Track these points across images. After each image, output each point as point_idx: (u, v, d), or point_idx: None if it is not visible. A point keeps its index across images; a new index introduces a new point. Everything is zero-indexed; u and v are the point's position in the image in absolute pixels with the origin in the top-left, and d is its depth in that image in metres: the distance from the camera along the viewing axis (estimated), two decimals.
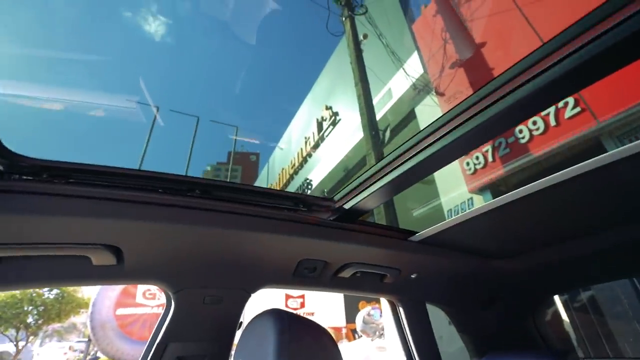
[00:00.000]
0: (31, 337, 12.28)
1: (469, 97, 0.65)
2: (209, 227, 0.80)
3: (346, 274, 1.17)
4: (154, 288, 11.56)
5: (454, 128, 0.68)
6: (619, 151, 0.68)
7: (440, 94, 5.90)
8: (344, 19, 5.99)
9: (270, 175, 16.55)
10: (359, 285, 1.29)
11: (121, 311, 10.57)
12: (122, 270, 0.84)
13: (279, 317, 0.69)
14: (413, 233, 1.15)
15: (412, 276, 1.34)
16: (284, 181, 13.83)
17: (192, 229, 0.79)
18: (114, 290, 10.82)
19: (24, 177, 0.62)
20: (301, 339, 0.68)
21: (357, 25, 6.03)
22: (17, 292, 11.45)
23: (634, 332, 3.09)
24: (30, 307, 11.60)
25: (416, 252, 1.17)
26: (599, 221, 1.10)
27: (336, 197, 0.97)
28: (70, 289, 12.80)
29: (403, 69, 6.34)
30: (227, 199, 0.83)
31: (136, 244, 0.79)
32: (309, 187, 11.66)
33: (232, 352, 1.00)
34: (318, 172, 11.18)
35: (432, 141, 0.72)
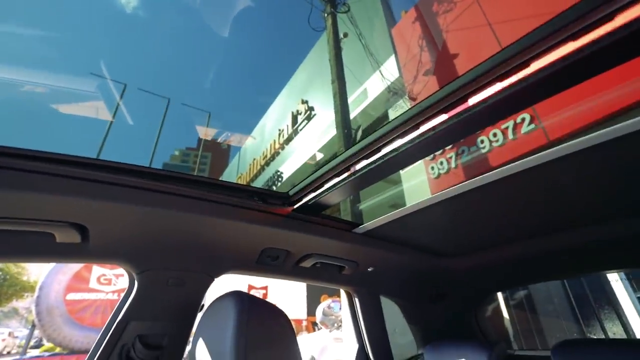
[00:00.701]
0: None
1: (431, 95, 0.67)
2: (175, 211, 0.83)
3: (307, 264, 1.23)
4: (109, 273, 11.06)
5: (414, 127, 0.71)
6: (558, 149, 0.72)
7: (412, 98, 6.12)
8: (326, 15, 6.02)
9: (241, 165, 16.27)
10: (319, 275, 1.36)
11: (72, 296, 10.02)
12: (87, 248, 0.85)
13: (239, 299, 0.72)
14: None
15: (369, 269, 1.44)
16: (255, 171, 13.67)
17: (158, 211, 0.81)
18: (65, 274, 10.21)
19: None
20: (259, 320, 0.72)
21: (339, 23, 6.09)
22: None
23: (559, 328, 3.48)
24: None
25: (373, 246, 1.26)
26: (539, 223, 1.20)
27: (291, 192, 1.02)
28: (14, 271, 11.91)
29: (380, 71, 6.49)
30: (193, 187, 0.86)
31: (103, 223, 0.80)
32: (280, 179, 11.63)
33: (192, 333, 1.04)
34: (289, 165, 11.17)
35: (388, 140, 0.75)
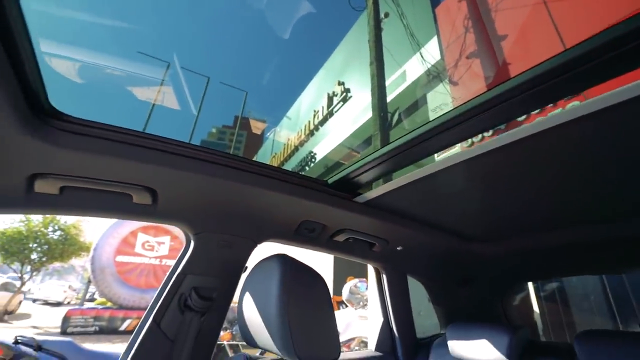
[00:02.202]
0: (34, 273, 12.89)
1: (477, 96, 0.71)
2: (230, 182, 0.95)
3: (340, 238, 1.32)
4: (152, 240, 12.03)
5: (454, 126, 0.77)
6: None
7: (453, 83, 5.89)
8: None
9: (276, 144, 16.60)
10: (350, 250, 1.44)
11: (120, 258, 11.09)
12: (155, 210, 1.00)
13: (283, 260, 0.82)
14: None
15: (398, 248, 1.51)
16: (288, 152, 13.92)
17: (216, 181, 0.93)
18: (115, 238, 11.28)
19: (76, 120, 0.75)
20: (301, 280, 0.82)
21: (380, 3, 5.90)
22: (22, 229, 11.91)
23: (593, 325, 3.35)
24: (35, 245, 12.11)
25: (404, 225, 1.31)
26: (583, 212, 1.19)
27: (330, 181, 1.11)
28: (73, 232, 13.27)
29: (420, 53, 6.27)
30: (245, 163, 0.97)
31: (169, 189, 0.94)
32: (313, 160, 11.78)
33: (237, 289, 1.19)
34: (323, 147, 11.26)
35: (429, 129, 0.81)
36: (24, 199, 0.85)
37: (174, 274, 1.13)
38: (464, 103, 0.72)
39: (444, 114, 0.77)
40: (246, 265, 1.25)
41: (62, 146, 0.73)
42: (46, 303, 18.03)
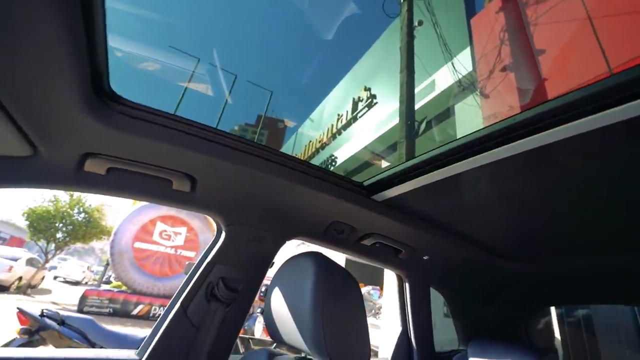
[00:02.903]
0: (57, 252, 13.46)
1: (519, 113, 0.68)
2: (266, 173, 0.94)
3: (367, 242, 1.31)
4: (169, 230, 12.33)
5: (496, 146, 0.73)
6: None
7: (484, 95, 5.75)
8: (402, 0, 5.83)
9: (297, 146, 16.71)
10: (376, 255, 1.42)
11: (138, 245, 11.41)
12: (193, 198, 1.02)
13: (317, 259, 0.81)
14: None
15: (424, 257, 1.48)
16: (309, 153, 13.98)
17: (253, 173, 0.94)
18: (135, 225, 11.64)
19: (131, 104, 0.77)
20: (334, 280, 0.80)
21: (414, 10, 5.86)
22: (51, 208, 12.49)
23: (621, 357, 3.16)
24: (61, 225, 12.66)
25: (433, 235, 1.28)
26: (616, 241, 1.13)
27: (365, 183, 1.09)
28: (96, 215, 13.78)
29: (452, 63, 6.17)
30: (282, 157, 0.97)
31: (208, 178, 0.95)
32: (333, 163, 11.78)
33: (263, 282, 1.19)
34: (345, 151, 11.24)
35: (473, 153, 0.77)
36: (73, 176, 0.88)
37: (203, 262, 1.14)
38: (501, 121, 0.70)
39: (487, 128, 0.74)
40: (273, 260, 1.26)
41: (117, 128, 0.75)
42: (66, 281, 18.79)
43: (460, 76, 6.09)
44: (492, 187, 0.93)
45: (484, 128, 0.74)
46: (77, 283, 18.82)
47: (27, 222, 12.21)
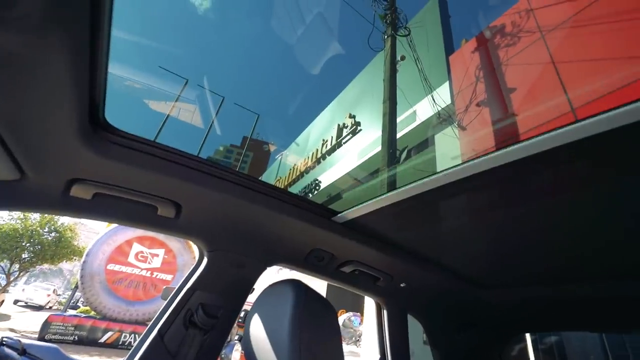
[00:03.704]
0: (21, 273, 12.65)
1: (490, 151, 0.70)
2: (248, 202, 0.98)
3: (347, 269, 1.33)
4: (146, 251, 11.85)
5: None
6: None
7: (461, 127, 6.06)
8: (386, 37, 6.19)
9: (281, 168, 16.77)
10: (355, 282, 1.45)
11: (112, 267, 10.86)
12: (177, 223, 1.04)
13: (297, 287, 0.83)
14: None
15: (402, 285, 1.52)
16: (294, 177, 14.05)
17: (235, 200, 0.97)
18: (110, 245, 11.13)
19: (122, 134, 0.80)
20: (314, 310, 0.82)
21: (397, 45, 6.23)
22: (19, 226, 11.84)
23: None
24: (28, 244, 11.98)
25: (409, 263, 1.32)
26: (588, 269, 1.18)
27: (341, 212, 1.12)
28: (68, 235, 13.14)
29: (432, 96, 6.51)
30: (263, 187, 1.01)
31: (193, 205, 0.98)
32: (317, 187, 11.85)
33: (242, 309, 1.20)
34: (329, 176, 11.37)
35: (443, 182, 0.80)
36: (59, 201, 0.89)
37: (183, 288, 1.14)
38: (478, 157, 0.71)
39: (458, 166, 0.75)
40: (253, 287, 1.27)
41: (106, 156, 0.78)
42: (27, 306, 17.51)
43: (439, 108, 6.42)
44: (463, 212, 0.96)
45: (461, 164, 0.74)
46: (40, 308, 17.56)
47: None
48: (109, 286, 10.52)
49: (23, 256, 11.94)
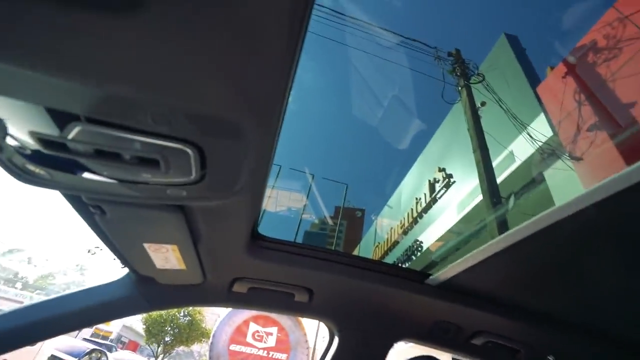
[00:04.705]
0: (164, 355, 14.39)
1: None
2: (371, 283, 1.07)
3: (478, 341, 1.22)
4: (261, 330, 12.38)
5: None
6: None
7: (576, 158, 5.30)
8: (459, 88, 6.22)
9: (378, 234, 16.52)
10: (490, 356, 1.30)
11: (234, 347, 11.55)
12: (310, 307, 1.19)
13: None
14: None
15: (550, 358, 1.26)
16: (392, 240, 13.63)
17: (359, 283, 1.07)
18: (230, 327, 11.98)
19: (269, 239, 1.01)
20: None
21: (474, 92, 6.15)
22: (162, 312, 13.90)
23: None
24: (169, 328, 13.84)
25: (555, 332, 1.14)
26: None
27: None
28: (198, 318, 14.75)
29: (527, 132, 6.00)
30: (384, 265, 1.10)
31: (323, 289, 1.12)
32: (420, 249, 11.19)
33: None
34: (429, 234, 10.73)
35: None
36: (225, 296, 1.14)
37: None
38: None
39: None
40: None
41: (258, 258, 1.00)
42: None
43: (539, 144, 5.82)
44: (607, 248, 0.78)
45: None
46: None
47: (144, 327, 13.65)
48: None
49: (166, 339, 13.72)
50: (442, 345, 1.27)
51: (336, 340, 1.24)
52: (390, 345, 1.26)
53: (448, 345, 1.27)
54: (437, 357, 0.90)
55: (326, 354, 1.26)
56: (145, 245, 0.79)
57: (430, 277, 1.10)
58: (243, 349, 11.91)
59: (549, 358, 1.25)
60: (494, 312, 1.09)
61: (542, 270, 0.89)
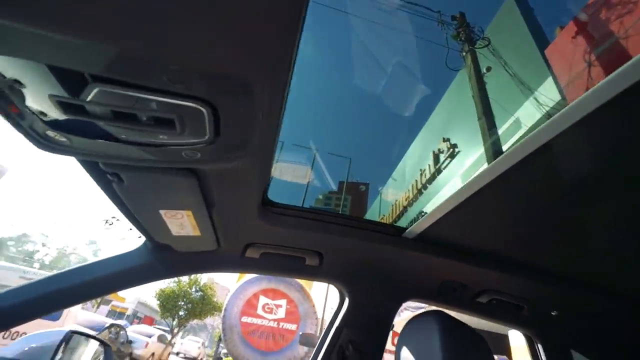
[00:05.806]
0: (179, 328, 15.05)
1: None
2: (379, 244, 1.08)
3: (483, 299, 1.24)
4: (271, 303, 12.82)
5: None
6: None
7: None
8: (464, 53, 6.01)
9: (383, 207, 16.63)
10: (495, 313, 1.33)
11: (245, 319, 12.02)
12: (320, 270, 1.21)
13: (440, 319, 0.84)
14: None
15: (553, 313, 1.32)
16: (397, 212, 13.73)
17: (367, 245, 1.09)
18: (241, 300, 12.44)
19: (279, 205, 1.01)
20: (460, 338, 0.82)
21: (479, 58, 5.95)
22: (175, 288, 14.40)
23: None
24: (183, 302, 14.38)
25: (560, 285, 1.15)
26: None
27: None
28: (210, 293, 15.27)
29: (534, 97, 5.85)
30: (391, 227, 1.10)
31: (332, 252, 1.14)
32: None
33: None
34: (434, 205, 10.77)
35: None
36: (238, 261, 1.17)
37: (332, 327, 1.28)
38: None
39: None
40: (393, 323, 1.33)
41: (270, 224, 1.00)
42: (185, 357, 20.40)
43: (547, 108, 5.68)
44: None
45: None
46: (194, 359, 20.25)
47: (158, 302, 14.18)
48: (245, 337, 11.57)
49: (180, 313, 14.29)
50: (449, 304, 1.30)
51: (346, 301, 1.27)
52: (398, 305, 1.29)
53: (455, 304, 1.30)
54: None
55: (337, 314, 1.29)
56: (162, 212, 0.81)
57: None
58: (255, 320, 12.42)
59: (553, 313, 1.29)
60: (496, 269, 1.10)
61: (526, 221, 0.87)
